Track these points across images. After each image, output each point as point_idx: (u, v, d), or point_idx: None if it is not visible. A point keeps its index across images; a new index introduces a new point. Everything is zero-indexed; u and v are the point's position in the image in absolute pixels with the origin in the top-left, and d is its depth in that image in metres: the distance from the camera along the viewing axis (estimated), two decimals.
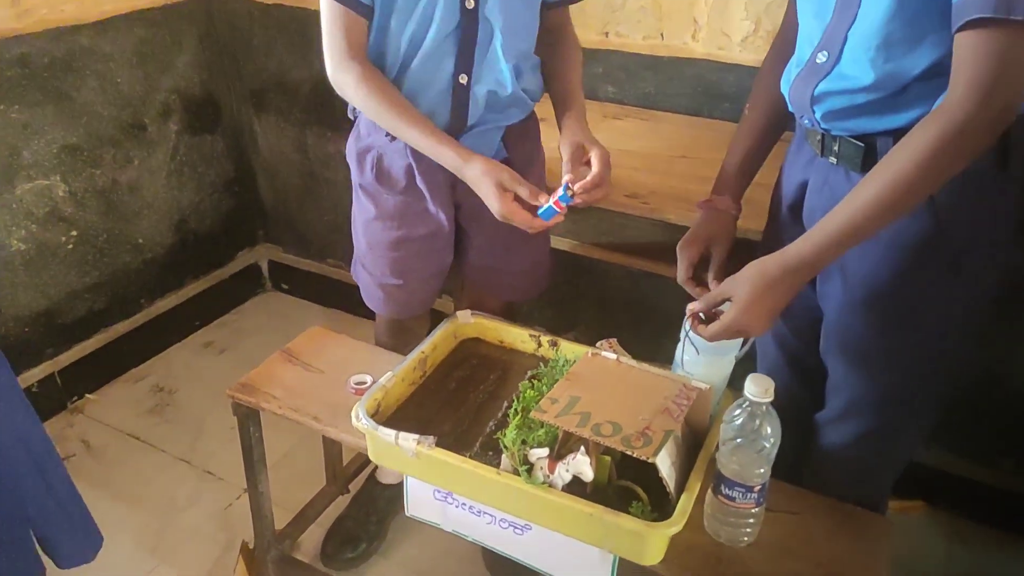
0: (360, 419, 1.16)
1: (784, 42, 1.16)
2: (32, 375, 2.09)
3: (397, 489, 1.54)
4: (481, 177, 1.24)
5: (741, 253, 1.20)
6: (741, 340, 1.14)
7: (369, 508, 1.76)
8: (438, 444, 1.11)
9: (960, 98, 0.85)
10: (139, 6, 2.11)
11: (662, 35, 1.76)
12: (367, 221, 1.49)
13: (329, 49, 1.30)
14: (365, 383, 1.37)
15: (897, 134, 0.93)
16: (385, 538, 1.76)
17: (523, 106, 1.40)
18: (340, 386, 1.40)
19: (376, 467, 1.82)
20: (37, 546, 1.01)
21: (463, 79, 1.30)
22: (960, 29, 0.84)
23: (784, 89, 1.09)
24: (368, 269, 1.55)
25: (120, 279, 2.27)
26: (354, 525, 1.74)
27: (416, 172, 1.40)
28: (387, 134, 1.37)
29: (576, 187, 1.21)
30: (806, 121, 1.08)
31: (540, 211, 1.24)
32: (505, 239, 1.47)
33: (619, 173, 1.56)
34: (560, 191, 1.22)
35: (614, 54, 1.81)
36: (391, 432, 1.12)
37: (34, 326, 2.07)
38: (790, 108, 1.10)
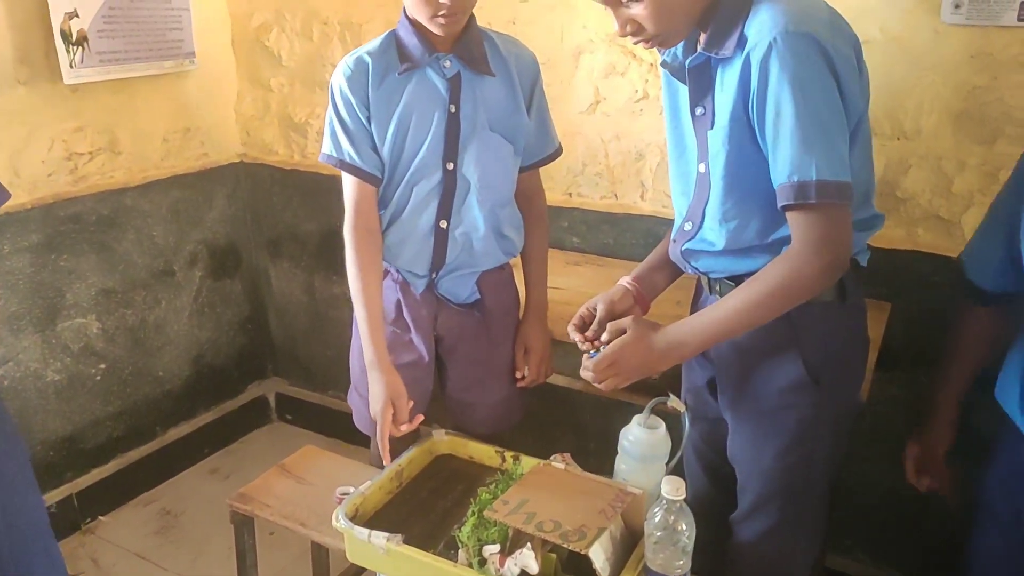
0: (339, 520, 1.33)
1: None
2: (51, 496, 2.25)
3: None
4: (382, 383, 1.49)
5: None
6: (669, 450, 1.33)
7: None
8: (406, 543, 1.27)
9: (797, 251, 1.11)
10: (177, 171, 2.47)
11: (616, 195, 2.06)
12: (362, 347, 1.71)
13: (347, 210, 1.58)
14: (349, 493, 1.55)
15: None
16: None
17: (496, 257, 1.63)
18: (328, 497, 1.57)
19: None
20: None
21: (443, 224, 1.57)
22: (782, 209, 1.11)
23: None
24: (360, 392, 1.73)
25: (140, 408, 2.48)
26: None
27: (403, 305, 1.63)
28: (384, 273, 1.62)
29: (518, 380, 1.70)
30: (688, 270, 1.34)
31: None
32: (479, 374, 1.69)
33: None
34: None
35: (576, 211, 2.11)
36: (364, 531, 1.29)
37: (58, 450, 2.27)
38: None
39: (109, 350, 2.36)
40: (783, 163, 1.08)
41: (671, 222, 1.98)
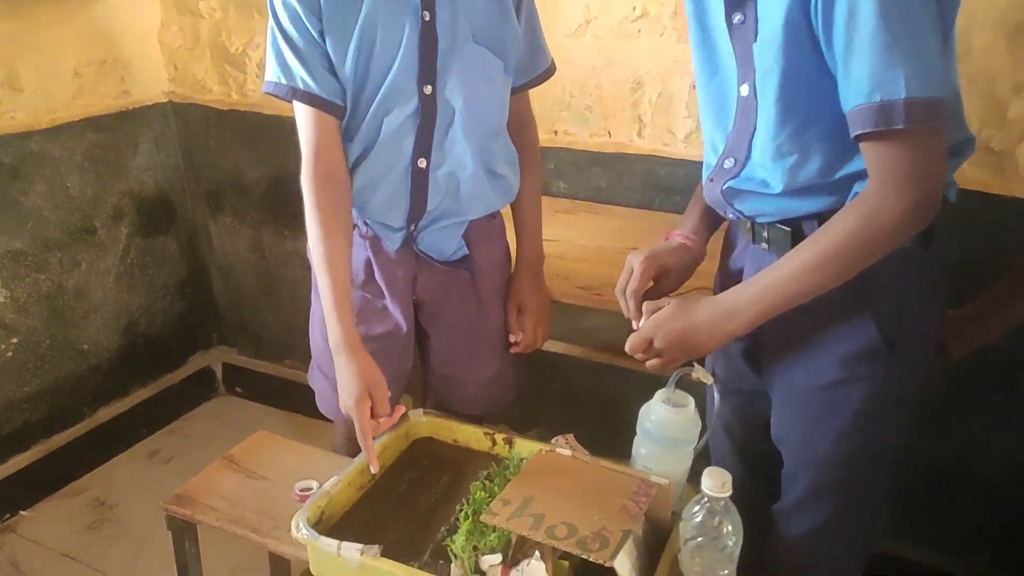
0: (300, 529, 1.08)
1: None
2: None
3: None
4: (352, 369, 1.23)
5: None
6: (697, 432, 1.11)
7: None
8: (384, 554, 1.04)
9: (875, 192, 0.90)
10: (93, 112, 2.14)
11: (609, 133, 1.82)
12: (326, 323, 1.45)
13: (303, 151, 1.28)
14: (311, 490, 1.30)
15: (821, 217, 0.96)
16: None
17: (488, 202, 1.38)
18: (285, 494, 1.32)
19: None
20: None
21: (422, 163, 1.30)
22: (856, 139, 0.89)
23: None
24: (324, 370, 1.49)
25: (62, 387, 2.19)
26: None
27: (375, 266, 1.38)
28: None
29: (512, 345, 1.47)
30: (729, 214, 1.11)
31: None
32: (467, 345, 1.46)
33: (572, 266, 1.57)
34: None
35: (564, 151, 1.86)
36: (332, 542, 1.05)
37: None
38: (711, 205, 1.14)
39: (21, 321, 2.05)
40: (860, 78, 0.86)
41: (674, 162, 1.78)
